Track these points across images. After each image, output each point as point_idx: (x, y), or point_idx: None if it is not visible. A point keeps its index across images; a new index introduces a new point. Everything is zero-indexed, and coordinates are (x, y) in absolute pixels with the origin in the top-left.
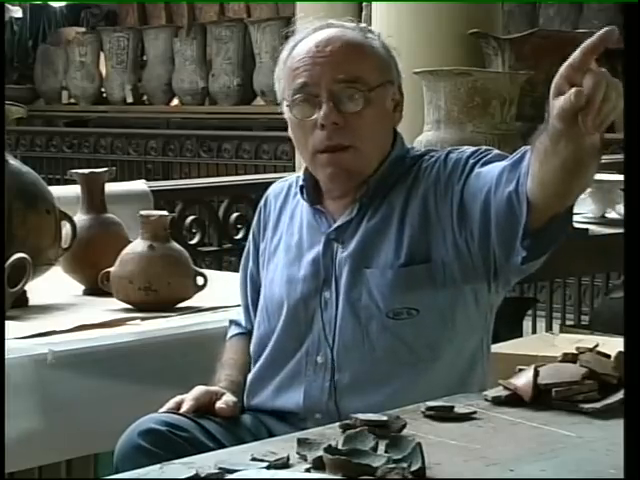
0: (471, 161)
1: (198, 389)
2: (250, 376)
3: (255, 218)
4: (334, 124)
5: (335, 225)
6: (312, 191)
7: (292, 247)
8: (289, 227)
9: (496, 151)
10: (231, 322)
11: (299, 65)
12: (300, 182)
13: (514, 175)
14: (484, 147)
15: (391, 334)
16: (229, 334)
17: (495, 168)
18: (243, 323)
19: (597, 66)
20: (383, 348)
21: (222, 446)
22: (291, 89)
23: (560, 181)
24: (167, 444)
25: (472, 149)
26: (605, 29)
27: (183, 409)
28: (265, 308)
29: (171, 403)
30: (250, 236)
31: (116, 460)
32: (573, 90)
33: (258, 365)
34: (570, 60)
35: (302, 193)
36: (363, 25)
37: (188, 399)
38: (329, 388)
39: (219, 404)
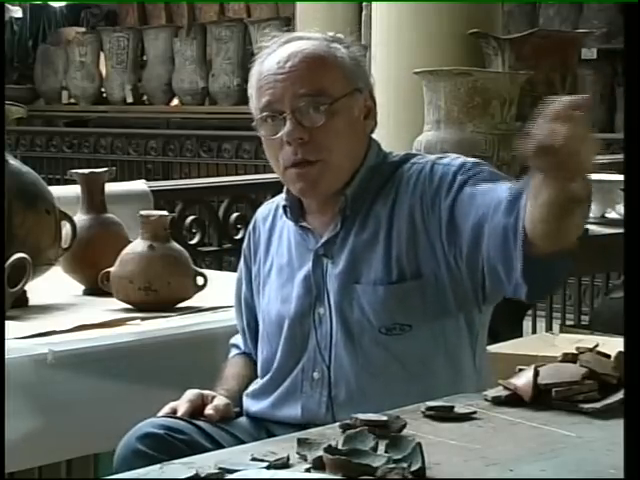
0: (460, 177)
1: (190, 392)
2: (249, 390)
3: (245, 242)
4: (299, 139)
5: (322, 241)
6: (296, 209)
7: (284, 268)
8: (279, 248)
9: (487, 168)
10: (231, 345)
11: (263, 84)
12: (283, 202)
13: (513, 207)
14: (471, 161)
15: (384, 349)
16: (229, 356)
17: (492, 193)
18: (242, 346)
19: (582, 121)
20: (376, 363)
21: (222, 448)
22: (258, 108)
23: (546, 223)
24: (166, 448)
25: (459, 162)
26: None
27: (179, 413)
28: (265, 332)
29: (166, 409)
30: (242, 260)
31: (115, 465)
32: (546, 125)
33: (259, 382)
34: (555, 105)
35: (286, 212)
36: (330, 35)
37: (182, 402)
38: (326, 403)
39: (208, 410)
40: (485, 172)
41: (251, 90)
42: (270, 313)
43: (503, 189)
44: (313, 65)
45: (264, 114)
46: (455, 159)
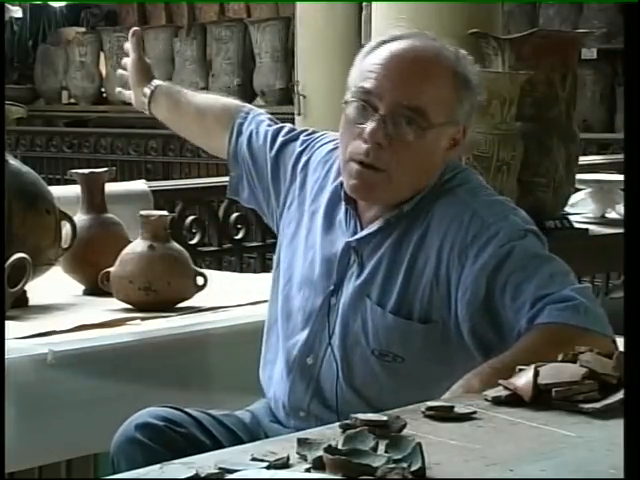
0: (492, 248)
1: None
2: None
3: (296, 152)
4: (377, 144)
5: (358, 236)
6: None
7: (314, 232)
8: (316, 200)
9: (522, 246)
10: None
11: (371, 69)
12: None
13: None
14: (507, 246)
15: (370, 368)
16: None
17: (512, 310)
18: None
19: None
20: (359, 378)
21: (218, 443)
22: (354, 90)
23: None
24: (163, 439)
25: (494, 244)
26: None
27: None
28: (277, 278)
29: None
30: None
31: (112, 451)
32: None
33: (264, 348)
34: None
35: (341, 187)
36: (462, 53)
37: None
38: (312, 391)
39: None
40: (518, 253)
41: (359, 61)
42: (289, 270)
43: (523, 312)
44: (426, 80)
45: (357, 99)
46: (494, 235)
